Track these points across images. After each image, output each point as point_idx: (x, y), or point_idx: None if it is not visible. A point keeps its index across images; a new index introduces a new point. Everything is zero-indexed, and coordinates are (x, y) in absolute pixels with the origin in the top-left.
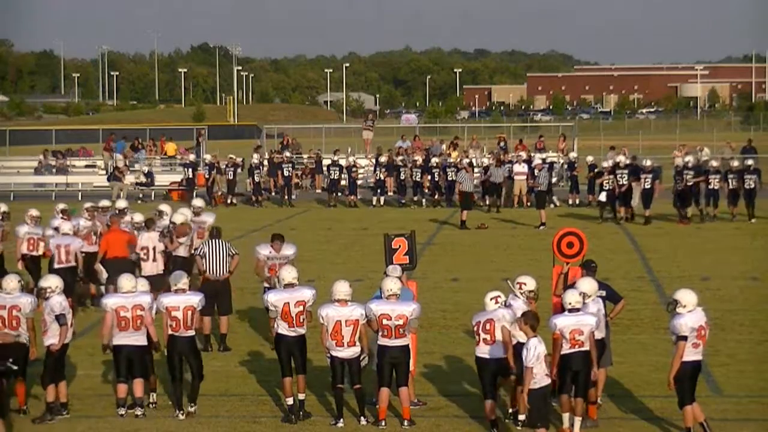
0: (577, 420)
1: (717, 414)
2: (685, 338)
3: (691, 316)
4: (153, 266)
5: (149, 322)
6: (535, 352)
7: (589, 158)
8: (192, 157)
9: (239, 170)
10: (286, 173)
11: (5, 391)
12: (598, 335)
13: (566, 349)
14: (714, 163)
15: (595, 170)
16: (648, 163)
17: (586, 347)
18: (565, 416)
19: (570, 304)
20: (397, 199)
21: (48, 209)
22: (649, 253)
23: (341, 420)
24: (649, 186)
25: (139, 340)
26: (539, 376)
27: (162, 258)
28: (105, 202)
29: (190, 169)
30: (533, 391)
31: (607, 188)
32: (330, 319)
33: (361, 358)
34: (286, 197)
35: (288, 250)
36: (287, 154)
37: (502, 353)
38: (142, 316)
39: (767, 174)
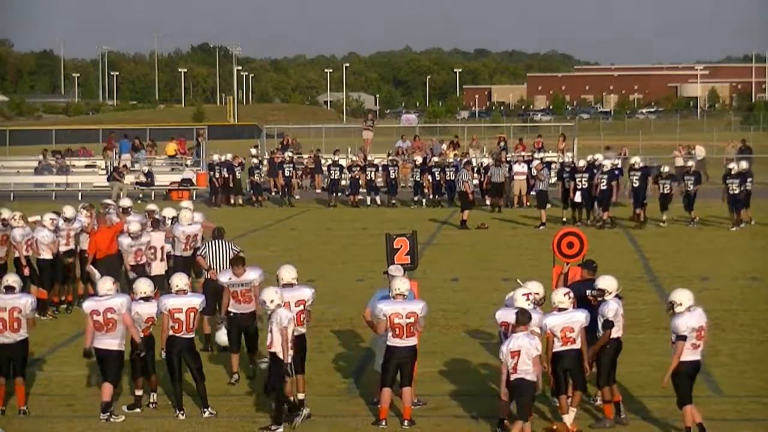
0: (572, 410)
1: (717, 414)
2: (684, 338)
3: (691, 316)
4: (161, 266)
5: (129, 323)
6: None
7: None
8: (225, 156)
9: (238, 170)
10: (286, 173)
11: None
12: (616, 334)
13: (558, 346)
14: (684, 163)
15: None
16: (607, 162)
17: (578, 345)
18: (566, 417)
19: (554, 303)
20: (388, 198)
21: (48, 209)
22: (649, 253)
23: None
24: (605, 187)
25: (105, 343)
26: None
27: (167, 258)
28: (126, 202)
29: (226, 169)
30: None
31: (580, 188)
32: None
33: (261, 361)
34: (286, 197)
35: (252, 275)
36: (287, 154)
37: None
38: (113, 320)
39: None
